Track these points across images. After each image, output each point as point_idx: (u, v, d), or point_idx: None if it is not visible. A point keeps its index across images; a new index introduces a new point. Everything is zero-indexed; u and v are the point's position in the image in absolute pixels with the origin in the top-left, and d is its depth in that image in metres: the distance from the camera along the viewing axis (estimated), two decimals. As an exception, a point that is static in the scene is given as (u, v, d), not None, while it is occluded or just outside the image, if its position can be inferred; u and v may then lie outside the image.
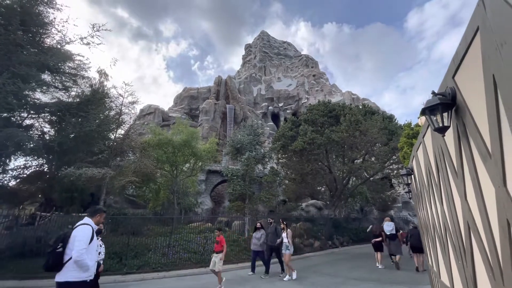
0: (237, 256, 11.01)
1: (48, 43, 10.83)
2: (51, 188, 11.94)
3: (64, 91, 11.48)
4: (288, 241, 8.08)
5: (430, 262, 4.61)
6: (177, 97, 54.53)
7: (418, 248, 9.14)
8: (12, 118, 10.51)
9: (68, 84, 11.42)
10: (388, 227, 10.18)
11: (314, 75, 65.04)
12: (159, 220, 13.47)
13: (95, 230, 3.47)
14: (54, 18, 10.80)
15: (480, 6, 1.37)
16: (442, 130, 1.92)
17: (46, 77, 10.77)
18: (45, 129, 11.74)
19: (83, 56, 11.47)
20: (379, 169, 16.75)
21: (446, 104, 1.85)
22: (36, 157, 11.25)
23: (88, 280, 3.31)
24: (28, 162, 11.59)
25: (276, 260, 8.92)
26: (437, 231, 3.37)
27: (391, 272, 9.08)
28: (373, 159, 17.05)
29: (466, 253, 2.13)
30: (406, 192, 7.01)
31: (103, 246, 5.18)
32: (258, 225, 8.97)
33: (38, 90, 10.36)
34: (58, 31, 10.82)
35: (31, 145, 9.70)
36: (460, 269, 2.41)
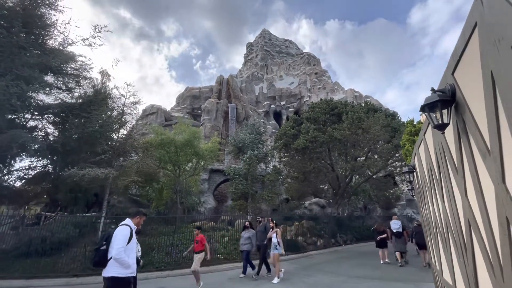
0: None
1: (51, 45, 10.91)
2: (55, 188, 12.06)
3: (67, 92, 11.57)
4: (278, 241, 7.73)
5: (433, 260, 4.59)
6: (179, 97, 54.67)
7: (423, 245, 9.34)
8: (16, 120, 10.62)
9: (71, 85, 11.51)
10: (395, 225, 10.43)
11: (316, 73, 64.78)
12: (162, 219, 13.54)
13: (134, 230, 3.78)
14: (56, 20, 10.87)
15: (477, 2, 1.35)
16: (441, 127, 1.91)
17: (49, 78, 10.87)
18: (49, 130, 11.85)
19: (85, 57, 11.56)
20: (382, 166, 16.67)
21: (445, 101, 1.84)
22: (40, 158, 11.36)
23: (131, 276, 3.61)
24: (33, 163, 11.71)
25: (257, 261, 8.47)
26: (439, 229, 3.35)
27: (394, 270, 9.06)
28: (376, 156, 16.97)
29: (467, 251, 2.12)
30: (409, 190, 6.98)
31: (138, 244, 5.57)
32: (247, 224, 8.67)
33: (41, 92, 10.45)
34: (60, 33, 10.90)
35: (35, 146, 9.81)
36: (461, 266, 2.40)
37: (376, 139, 15.07)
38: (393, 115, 18.55)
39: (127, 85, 12.54)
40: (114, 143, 12.42)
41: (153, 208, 16.73)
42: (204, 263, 9.81)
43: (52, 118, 11.66)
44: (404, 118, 18.95)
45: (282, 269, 7.91)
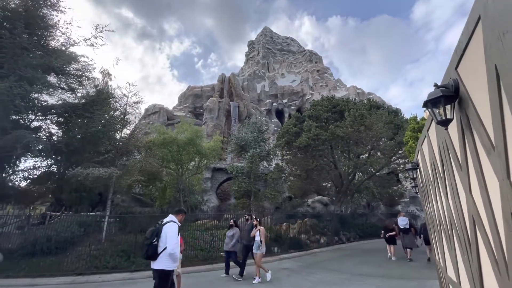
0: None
1: (53, 45, 10.98)
2: (60, 188, 12.18)
3: (70, 93, 11.65)
4: (260, 240, 7.39)
5: (437, 257, 4.57)
6: (181, 96, 54.76)
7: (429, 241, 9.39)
8: (20, 121, 10.72)
9: (73, 85, 11.59)
10: (403, 221, 10.75)
11: (318, 71, 64.47)
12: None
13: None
14: (58, 21, 10.94)
15: (481, -5, 1.33)
16: (445, 123, 1.89)
17: (52, 79, 10.95)
18: (53, 131, 11.95)
19: (87, 57, 11.61)
20: (385, 164, 16.58)
21: (448, 96, 1.82)
22: (44, 158, 11.47)
23: (174, 269, 4.09)
24: (37, 163, 11.83)
25: (251, 261, 8.07)
26: (443, 225, 3.33)
27: (398, 267, 9.04)
28: (379, 154, 16.88)
29: (471, 248, 2.10)
30: (412, 187, 6.94)
31: None
32: (232, 222, 8.23)
33: (45, 92, 10.53)
34: (62, 33, 10.97)
35: (40, 147, 9.90)
36: (466, 263, 2.38)
37: (379, 136, 14.98)
38: (396, 112, 18.42)
39: (129, 84, 12.59)
40: (117, 143, 12.49)
41: (157, 207, 16.83)
42: (207, 261, 9.88)
43: (55, 119, 11.75)
44: (407, 115, 18.81)
45: (269, 270, 7.60)
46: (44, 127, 11.73)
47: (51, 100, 11.26)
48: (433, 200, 3.83)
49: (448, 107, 1.83)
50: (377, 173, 18.13)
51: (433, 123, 2.82)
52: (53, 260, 8.38)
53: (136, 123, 14.26)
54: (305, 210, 19.87)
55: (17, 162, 11.33)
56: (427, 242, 9.94)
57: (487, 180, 1.59)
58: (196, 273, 8.60)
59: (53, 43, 11.04)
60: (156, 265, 3.88)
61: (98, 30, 11.43)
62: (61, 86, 11.28)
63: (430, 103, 1.87)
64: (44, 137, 11.36)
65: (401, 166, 16.83)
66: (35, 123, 11.47)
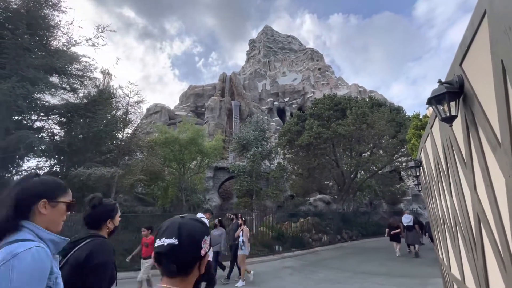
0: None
1: (55, 46, 11.01)
2: (63, 188, 12.23)
3: (72, 93, 11.68)
4: (243, 240, 7.04)
5: (440, 255, 4.54)
6: (182, 95, 54.82)
7: None
8: (23, 121, 10.78)
9: (75, 85, 11.62)
10: (406, 219, 11.02)
11: (319, 69, 64.28)
12: (168, 217, 13.48)
13: None
14: (60, 21, 10.96)
15: (487, -11, 1.31)
16: (449, 119, 1.86)
17: (54, 79, 10.98)
18: (55, 131, 12.00)
19: (89, 58, 11.64)
20: (387, 162, 16.53)
21: (453, 92, 1.79)
22: (47, 158, 11.53)
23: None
24: (40, 163, 11.90)
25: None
26: (447, 223, 3.31)
27: (401, 265, 9.02)
28: (381, 152, 16.83)
29: (476, 245, 2.09)
30: (415, 185, 6.91)
31: None
32: (217, 222, 7.89)
33: (47, 93, 10.57)
34: (64, 34, 10.99)
35: (42, 147, 9.95)
36: (470, 261, 2.36)
37: (381, 134, 14.93)
38: (398, 110, 18.34)
39: (131, 84, 12.63)
40: (119, 142, 12.54)
41: (159, 206, 16.89)
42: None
43: (58, 119, 11.80)
44: (409, 113, 18.72)
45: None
46: (46, 127, 11.79)
47: (53, 100, 11.31)
48: (436, 198, 3.81)
49: (452, 103, 1.81)
50: (379, 171, 18.08)
51: (437, 120, 2.80)
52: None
53: (138, 122, 14.30)
54: (307, 208, 19.86)
55: (20, 162, 11.39)
56: (432, 239, 10.02)
57: (492, 177, 1.57)
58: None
59: (54, 43, 11.07)
60: None
61: (99, 30, 11.46)
62: (63, 86, 11.32)
63: (434, 100, 1.85)
64: (46, 137, 11.42)
65: (404, 164, 16.76)
66: (38, 124, 11.52)
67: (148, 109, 44.53)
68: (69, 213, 1.28)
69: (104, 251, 1.57)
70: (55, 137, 11.76)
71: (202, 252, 0.85)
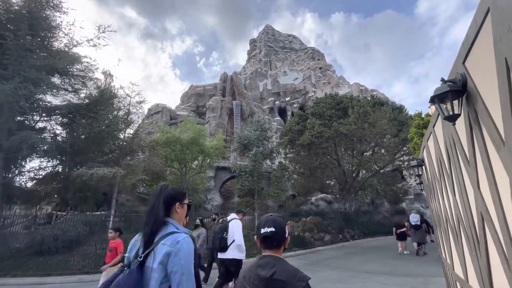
0: (248, 251, 11.09)
1: (56, 47, 11.05)
2: (65, 188, 12.30)
3: (73, 93, 11.73)
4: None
5: (443, 254, 4.53)
6: (183, 95, 54.89)
7: None
8: (26, 122, 10.83)
9: (77, 86, 11.66)
10: (414, 218, 11.23)
11: (320, 68, 64.14)
12: (170, 217, 13.71)
13: None
14: (61, 22, 11.00)
15: (490, -14, 1.30)
16: (452, 118, 1.85)
17: (56, 80, 11.02)
18: (57, 131, 12.06)
19: (90, 58, 11.68)
20: (389, 161, 16.48)
21: (456, 91, 1.78)
22: (50, 159, 11.58)
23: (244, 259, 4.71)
24: (43, 163, 11.96)
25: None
26: (450, 222, 3.29)
27: (404, 264, 8.99)
28: (382, 151, 16.78)
29: (480, 244, 2.08)
30: (417, 184, 6.89)
31: None
32: (198, 222, 7.34)
33: (49, 93, 10.61)
34: (65, 34, 11.03)
35: (45, 147, 10.00)
36: (474, 260, 2.35)
37: (382, 133, 14.87)
38: (400, 109, 18.27)
39: (132, 84, 12.65)
40: (121, 143, 12.58)
41: (161, 206, 16.93)
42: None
43: (60, 119, 11.85)
44: (411, 111, 18.69)
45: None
46: (48, 127, 11.85)
47: (55, 101, 11.36)
48: (439, 197, 3.79)
49: (455, 102, 1.80)
50: (381, 171, 18.03)
51: (439, 119, 2.78)
52: (60, 259, 8.49)
53: (140, 122, 14.35)
54: (309, 208, 19.84)
55: (23, 163, 11.46)
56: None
57: (496, 176, 1.56)
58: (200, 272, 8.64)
59: (56, 44, 11.12)
60: (226, 255, 4.59)
61: (101, 30, 11.49)
62: (65, 87, 11.36)
63: (437, 99, 1.84)
64: (49, 137, 11.47)
65: (406, 163, 16.71)
66: (40, 124, 11.57)
67: (149, 109, 44.63)
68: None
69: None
70: (57, 137, 11.82)
71: (286, 235, 1.47)
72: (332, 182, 21.09)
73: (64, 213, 11.71)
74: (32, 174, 11.99)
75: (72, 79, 11.42)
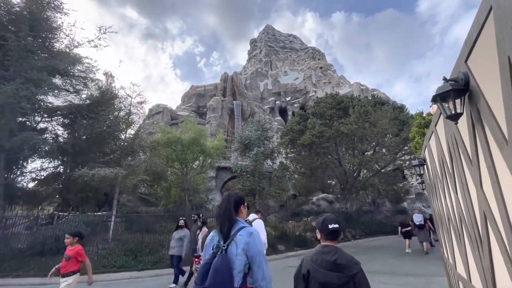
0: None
1: (57, 48, 11.08)
2: (67, 188, 12.33)
3: (75, 94, 11.75)
4: (201, 244, 5.98)
5: (445, 254, 4.51)
6: (184, 96, 54.96)
7: None
8: (27, 122, 10.86)
9: (78, 87, 11.69)
10: (417, 218, 11.55)
11: (321, 67, 64.09)
12: (171, 217, 13.71)
13: None
14: (62, 23, 11.02)
15: (493, -16, 1.29)
16: (455, 117, 1.85)
17: (57, 81, 11.05)
18: (59, 132, 12.08)
19: (91, 59, 11.70)
20: (390, 160, 16.46)
21: (458, 90, 1.78)
22: (51, 159, 11.61)
23: None
24: (44, 164, 11.99)
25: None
26: (452, 222, 3.28)
27: (406, 264, 8.98)
28: (384, 150, 16.75)
29: (482, 244, 2.07)
30: (419, 183, 6.89)
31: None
32: (181, 222, 6.97)
33: (50, 94, 10.64)
34: (66, 35, 11.05)
35: (46, 148, 10.02)
36: (476, 260, 2.34)
37: (383, 132, 14.85)
38: (401, 108, 18.24)
39: (133, 85, 12.67)
40: (122, 143, 12.59)
41: (162, 206, 16.96)
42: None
43: (61, 120, 11.88)
44: (413, 111, 18.65)
45: None
46: (50, 128, 11.87)
47: (56, 101, 11.38)
48: (441, 196, 3.78)
49: (458, 101, 1.79)
50: (382, 170, 18.00)
51: (441, 118, 2.78)
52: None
53: (141, 123, 14.37)
54: (310, 208, 19.83)
55: (25, 164, 11.49)
56: None
57: (499, 175, 1.55)
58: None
59: (57, 45, 11.14)
60: None
61: (101, 31, 11.50)
62: (66, 87, 11.38)
63: (439, 98, 1.83)
64: (50, 138, 11.49)
65: (407, 162, 16.67)
66: (42, 125, 11.60)
67: (150, 110, 44.71)
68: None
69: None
70: (59, 138, 11.84)
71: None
72: (333, 182, 21.08)
73: (66, 214, 11.75)
74: (33, 175, 12.02)
75: (73, 80, 11.44)
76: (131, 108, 12.81)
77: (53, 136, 11.80)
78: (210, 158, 17.00)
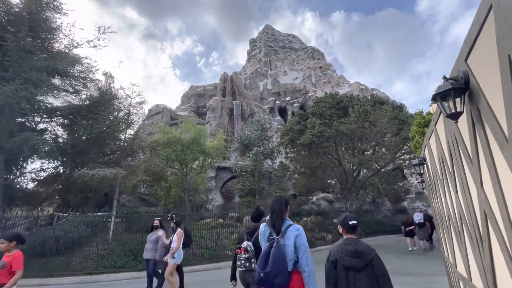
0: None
1: (57, 48, 11.07)
2: (67, 189, 12.32)
3: (74, 95, 11.74)
4: (175, 246, 5.48)
5: (446, 253, 4.52)
6: (184, 96, 54.93)
7: None
8: (27, 123, 10.85)
9: (78, 87, 11.68)
10: (417, 217, 11.80)
11: (320, 67, 64.10)
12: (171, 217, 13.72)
13: None
14: (61, 23, 11.02)
15: (493, -17, 1.29)
16: (455, 116, 1.84)
17: (56, 81, 11.04)
18: (58, 132, 12.08)
19: (90, 59, 11.69)
20: (390, 160, 16.46)
21: (458, 89, 1.77)
22: (51, 160, 11.61)
23: None
24: (44, 164, 11.99)
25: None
26: (452, 221, 3.28)
27: (406, 263, 8.98)
28: (383, 150, 16.75)
29: (483, 243, 2.07)
30: (419, 183, 6.89)
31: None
32: (156, 223, 6.44)
33: (50, 95, 10.64)
34: (66, 36, 11.05)
35: (46, 148, 10.01)
36: (477, 259, 2.34)
37: (383, 132, 14.85)
38: (400, 107, 18.25)
39: (133, 85, 12.66)
40: (121, 143, 12.58)
41: (162, 206, 16.95)
42: (213, 259, 9.92)
43: (60, 120, 11.87)
44: (412, 110, 18.64)
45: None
46: (50, 129, 11.87)
47: (56, 102, 11.38)
48: (441, 195, 3.78)
49: (458, 100, 1.79)
50: (382, 169, 18.00)
51: (441, 117, 2.77)
52: (62, 260, 8.50)
53: (140, 123, 14.36)
54: (310, 207, 19.83)
55: (24, 164, 11.48)
56: None
57: (500, 174, 1.55)
58: (202, 272, 8.65)
59: (56, 45, 11.13)
60: None
61: (101, 31, 11.50)
62: (66, 88, 11.38)
63: (439, 96, 1.82)
64: (50, 139, 11.48)
65: (407, 162, 16.68)
66: (41, 125, 11.59)
67: (150, 110, 44.68)
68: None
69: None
70: (58, 138, 11.83)
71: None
72: (333, 182, 21.07)
73: (66, 214, 11.74)
74: (33, 176, 12.02)
75: (73, 80, 11.43)
76: (131, 109, 12.80)
77: (53, 136, 11.80)
78: (210, 158, 16.99)
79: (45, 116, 11.30)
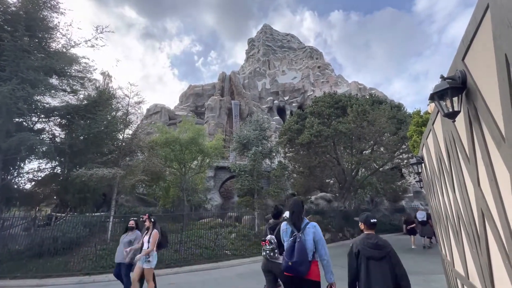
0: (248, 251, 11.15)
1: (54, 48, 11.01)
2: (64, 189, 12.26)
3: (72, 94, 11.68)
4: (150, 249, 5.12)
5: (443, 252, 4.54)
6: (182, 95, 54.80)
7: None
8: (24, 123, 10.79)
9: (75, 87, 11.62)
10: (420, 215, 11.99)
11: (319, 67, 64.14)
12: (169, 217, 13.69)
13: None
14: (59, 23, 10.96)
15: (490, -18, 1.29)
16: (452, 115, 1.85)
17: (54, 81, 10.98)
18: (56, 132, 12.01)
19: (88, 59, 11.64)
20: (388, 159, 16.51)
21: (456, 88, 1.78)
22: (48, 160, 11.55)
23: None
24: (42, 165, 11.92)
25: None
26: (450, 220, 3.30)
27: (404, 262, 9.00)
28: (382, 149, 16.79)
29: (480, 241, 2.08)
30: (417, 182, 6.93)
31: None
32: (132, 223, 5.94)
33: (47, 94, 10.57)
34: (63, 35, 10.99)
35: (43, 148, 9.96)
36: (474, 257, 2.36)
37: (381, 131, 14.89)
38: (399, 107, 18.29)
39: (131, 85, 12.62)
40: (120, 143, 12.54)
41: (160, 206, 16.91)
42: (212, 259, 9.93)
43: (58, 120, 11.81)
44: (410, 109, 18.71)
45: None
46: (47, 129, 11.80)
47: (53, 102, 11.31)
48: (439, 194, 3.80)
49: (455, 99, 1.80)
50: (381, 169, 18.04)
51: (439, 116, 2.79)
52: (60, 260, 8.46)
53: (138, 123, 14.30)
54: (309, 207, 19.87)
55: (22, 164, 11.41)
56: None
57: (496, 173, 1.56)
58: (201, 271, 8.65)
59: (54, 45, 11.07)
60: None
61: (98, 31, 11.45)
62: (63, 88, 11.32)
63: (437, 96, 1.83)
64: (47, 139, 11.42)
65: (405, 161, 16.73)
66: (39, 125, 11.53)
67: (148, 110, 44.54)
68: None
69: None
70: (56, 138, 11.77)
71: None
72: (332, 181, 21.10)
73: (64, 215, 11.69)
74: (31, 176, 11.95)
75: (70, 80, 11.38)
76: (129, 108, 12.76)
77: (51, 136, 11.73)
78: (208, 158, 16.96)
79: (42, 116, 11.23)
